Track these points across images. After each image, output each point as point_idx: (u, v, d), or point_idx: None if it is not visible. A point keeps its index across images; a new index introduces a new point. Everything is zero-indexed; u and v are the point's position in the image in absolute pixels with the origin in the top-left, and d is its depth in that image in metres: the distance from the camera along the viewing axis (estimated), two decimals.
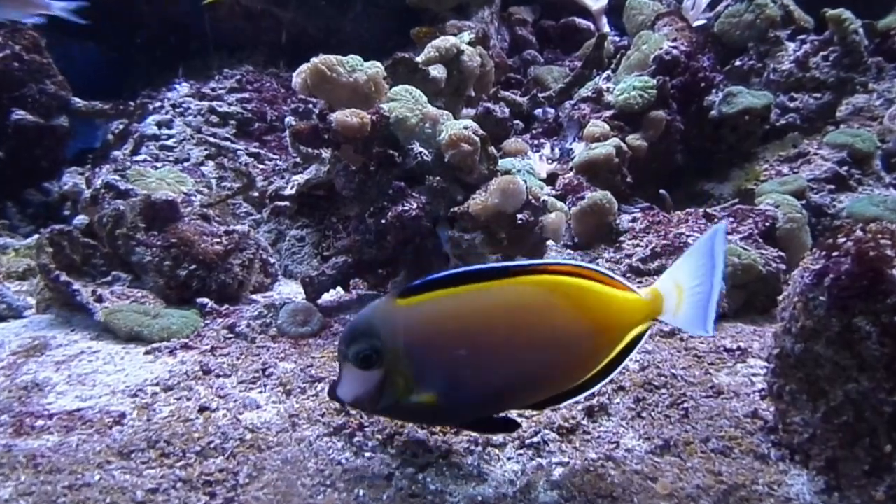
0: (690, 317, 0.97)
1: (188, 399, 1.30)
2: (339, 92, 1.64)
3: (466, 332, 0.93)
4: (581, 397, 1.11)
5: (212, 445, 1.13)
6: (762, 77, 2.64)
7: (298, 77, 1.67)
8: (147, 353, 1.53)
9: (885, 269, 0.97)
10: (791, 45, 2.62)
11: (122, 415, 1.24)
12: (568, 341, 0.96)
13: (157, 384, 1.36)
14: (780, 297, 1.16)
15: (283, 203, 2.17)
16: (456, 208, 1.61)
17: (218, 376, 1.40)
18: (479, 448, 1.14)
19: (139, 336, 1.59)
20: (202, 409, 1.25)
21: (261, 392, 1.33)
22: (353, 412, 1.21)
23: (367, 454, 1.12)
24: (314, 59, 1.63)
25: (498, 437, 1.17)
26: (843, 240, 1.04)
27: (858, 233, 1.03)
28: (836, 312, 1.01)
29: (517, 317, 0.94)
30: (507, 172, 1.74)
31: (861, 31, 2.53)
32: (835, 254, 1.04)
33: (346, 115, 1.59)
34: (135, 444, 1.13)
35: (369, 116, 1.61)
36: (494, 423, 1.05)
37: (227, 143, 2.63)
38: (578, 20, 3.44)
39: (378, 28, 3.38)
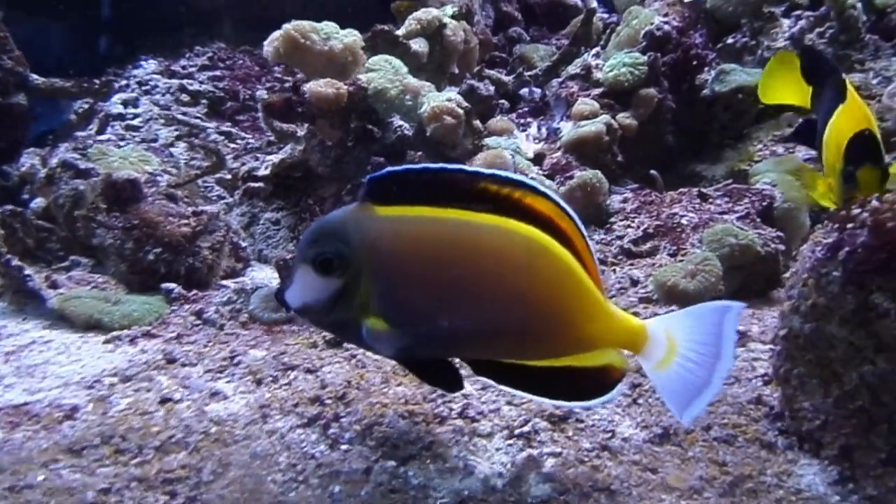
0: (674, 388, 0.87)
1: (148, 390, 1.20)
2: (314, 61, 1.53)
3: (444, 267, 0.85)
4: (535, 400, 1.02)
5: (173, 440, 1.03)
6: (756, 55, 2.56)
7: (270, 45, 1.56)
8: (106, 342, 1.42)
9: None
10: (786, 22, 2.55)
11: (75, 408, 1.13)
12: (537, 308, 0.88)
13: (115, 374, 1.26)
14: (787, 275, 1.09)
15: (256, 184, 2.05)
16: None
17: (183, 365, 1.29)
18: (466, 438, 1.06)
19: (98, 324, 1.48)
20: (164, 401, 1.15)
21: (228, 381, 1.23)
22: (327, 402, 1.11)
23: (344, 447, 1.03)
24: (286, 25, 1.53)
25: (485, 427, 1.08)
26: (859, 210, 0.96)
27: (875, 203, 0.96)
28: (852, 288, 0.93)
29: (499, 267, 0.86)
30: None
31: (859, 5, 2.46)
32: (849, 225, 0.96)
33: (320, 86, 1.48)
34: (87, 441, 1.03)
35: (346, 87, 1.50)
36: (439, 371, 0.93)
37: (196, 122, 2.49)
38: None
39: (359, 4, 3.24)
